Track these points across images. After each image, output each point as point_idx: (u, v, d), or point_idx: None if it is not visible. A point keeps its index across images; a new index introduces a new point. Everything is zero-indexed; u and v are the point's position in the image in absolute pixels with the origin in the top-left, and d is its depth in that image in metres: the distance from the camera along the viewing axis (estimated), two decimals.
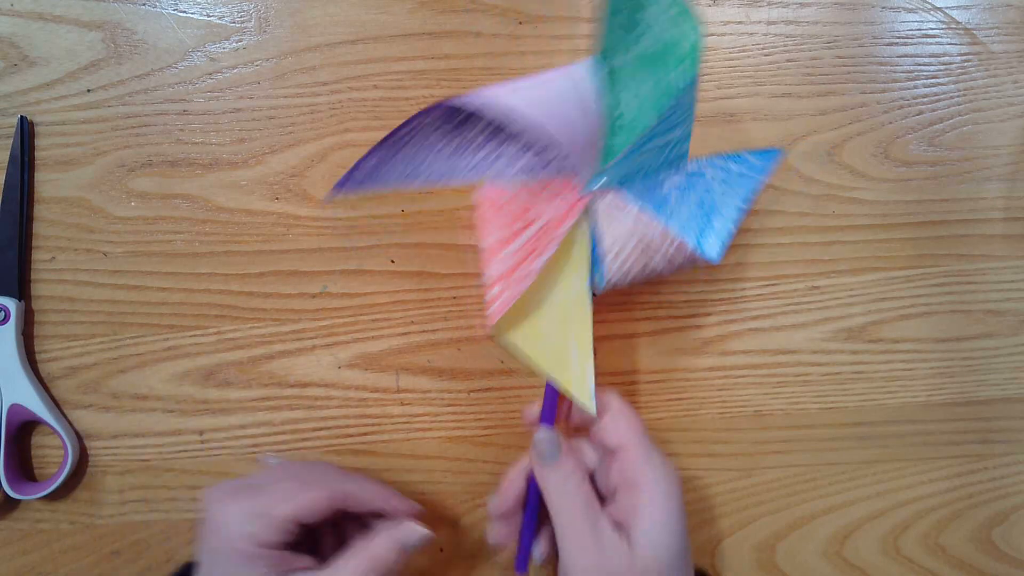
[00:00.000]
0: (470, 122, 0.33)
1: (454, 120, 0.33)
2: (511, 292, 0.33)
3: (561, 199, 0.34)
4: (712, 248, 0.34)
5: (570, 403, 0.37)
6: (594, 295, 0.35)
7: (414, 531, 0.35)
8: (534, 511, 0.36)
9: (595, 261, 0.35)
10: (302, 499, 0.33)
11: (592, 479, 0.35)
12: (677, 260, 0.35)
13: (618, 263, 0.34)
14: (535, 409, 0.37)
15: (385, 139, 0.32)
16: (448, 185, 0.35)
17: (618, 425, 0.35)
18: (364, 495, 0.36)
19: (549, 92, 0.32)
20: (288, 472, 0.36)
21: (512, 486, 0.37)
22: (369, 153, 0.32)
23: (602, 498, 0.35)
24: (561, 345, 0.34)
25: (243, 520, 0.32)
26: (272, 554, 0.32)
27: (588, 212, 0.35)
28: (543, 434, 0.35)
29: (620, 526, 0.33)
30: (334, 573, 0.33)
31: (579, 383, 0.34)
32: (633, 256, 0.34)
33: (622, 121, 0.33)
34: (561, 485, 0.33)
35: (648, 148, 0.34)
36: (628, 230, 0.34)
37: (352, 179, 0.33)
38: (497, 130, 0.33)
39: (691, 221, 0.34)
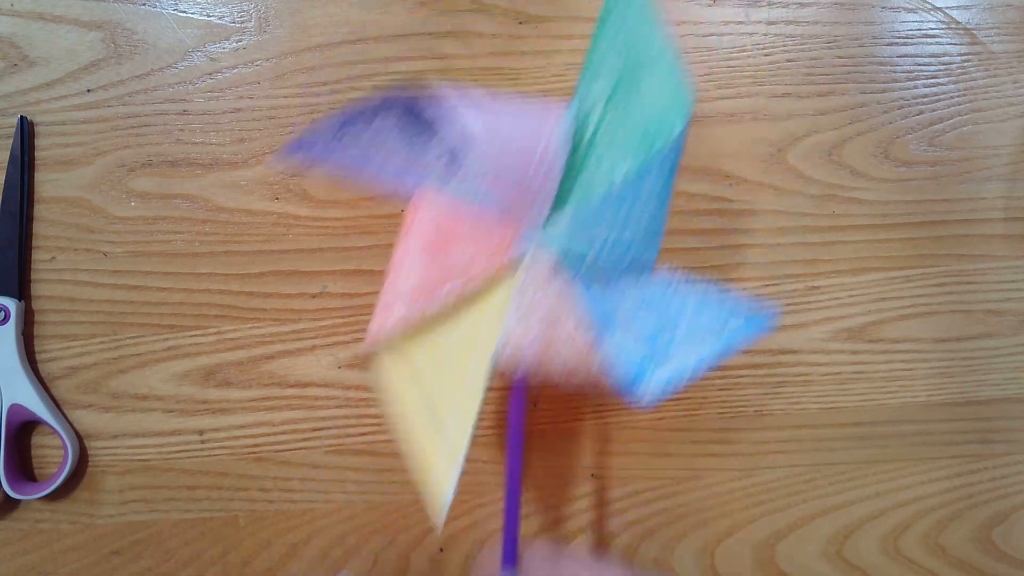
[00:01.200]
0: (432, 123, 0.29)
1: (416, 115, 0.29)
2: (404, 311, 0.29)
3: (496, 239, 0.30)
4: (647, 393, 0.28)
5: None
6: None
7: None
8: (516, 494, 0.33)
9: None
10: None
11: None
12: (591, 362, 0.29)
13: (519, 330, 0.29)
14: (492, 555, 0.32)
15: (346, 112, 0.28)
16: (397, 184, 0.30)
17: None
18: None
19: (513, 126, 0.28)
20: None
21: None
22: (329, 121, 0.29)
23: None
24: (440, 412, 0.29)
25: None
26: None
27: (522, 271, 0.30)
28: None
29: None
30: None
31: (440, 475, 0.27)
32: (535, 330, 0.29)
33: (581, 178, 0.30)
34: None
35: (602, 222, 0.29)
36: (545, 303, 0.29)
37: (304, 144, 0.29)
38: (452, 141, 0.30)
39: (633, 353, 0.29)
